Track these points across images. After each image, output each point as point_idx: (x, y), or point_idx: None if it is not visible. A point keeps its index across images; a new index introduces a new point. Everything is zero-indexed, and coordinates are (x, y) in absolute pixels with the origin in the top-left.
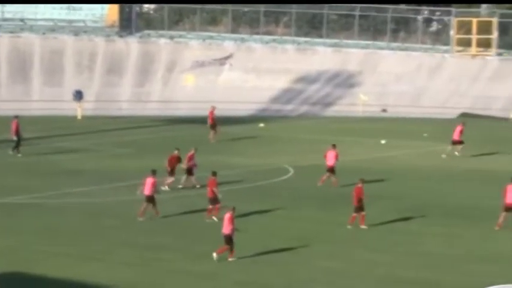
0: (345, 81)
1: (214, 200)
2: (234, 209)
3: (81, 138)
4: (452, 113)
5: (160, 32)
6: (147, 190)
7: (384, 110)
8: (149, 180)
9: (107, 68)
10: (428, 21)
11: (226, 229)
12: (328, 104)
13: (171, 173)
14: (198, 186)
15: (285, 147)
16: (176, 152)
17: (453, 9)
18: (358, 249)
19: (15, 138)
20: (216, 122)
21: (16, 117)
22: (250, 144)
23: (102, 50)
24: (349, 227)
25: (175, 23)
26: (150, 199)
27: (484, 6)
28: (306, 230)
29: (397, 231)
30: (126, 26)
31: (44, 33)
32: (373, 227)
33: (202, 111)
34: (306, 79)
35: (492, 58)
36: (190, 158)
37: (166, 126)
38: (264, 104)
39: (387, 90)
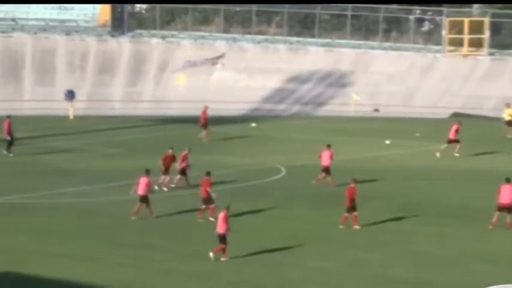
0: (337, 81)
1: (207, 200)
2: (228, 208)
3: (73, 138)
4: (444, 113)
5: (152, 31)
6: (140, 190)
7: (376, 110)
8: (143, 180)
9: (98, 68)
10: (420, 21)
11: (220, 228)
12: (320, 104)
13: (166, 172)
14: (190, 186)
15: (277, 147)
16: (171, 151)
17: (445, 9)
18: (351, 249)
19: (8, 138)
20: (208, 121)
21: (8, 117)
22: (242, 144)
23: (94, 49)
24: (341, 226)
25: (167, 22)
26: (144, 199)
27: (475, 6)
28: (299, 229)
29: (389, 231)
30: (118, 25)
31: (35, 33)
32: (366, 227)
33: (194, 111)
34: (298, 79)
35: (484, 58)
36: (184, 158)
37: (158, 126)
38: (256, 103)
39: (379, 90)
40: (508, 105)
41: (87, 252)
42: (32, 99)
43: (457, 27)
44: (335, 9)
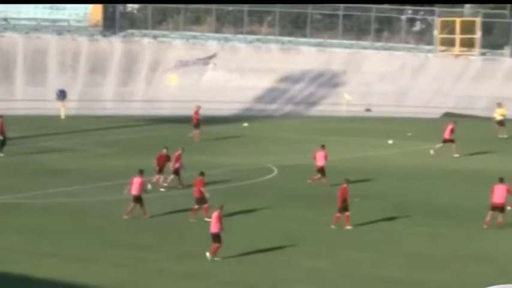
0: (329, 80)
1: (201, 200)
2: (221, 207)
3: (64, 138)
4: (436, 113)
5: (144, 31)
6: (134, 190)
7: (368, 110)
8: (136, 180)
9: (90, 68)
10: (411, 21)
11: (214, 228)
12: (312, 104)
13: (160, 172)
14: (182, 187)
15: (269, 147)
16: (165, 150)
17: (436, 9)
18: (343, 248)
19: (0, 138)
20: (200, 121)
21: (0, 116)
22: (234, 144)
23: (86, 49)
24: (333, 226)
25: (158, 22)
26: (138, 199)
27: (467, 6)
28: (291, 229)
29: (381, 230)
30: (109, 25)
31: (27, 33)
32: (358, 227)
33: (186, 110)
34: (290, 79)
35: (475, 58)
36: (178, 158)
37: (150, 125)
38: (248, 103)
39: (371, 90)
40: (499, 105)
41: (80, 252)
42: (24, 99)
43: (448, 27)
44: (327, 9)
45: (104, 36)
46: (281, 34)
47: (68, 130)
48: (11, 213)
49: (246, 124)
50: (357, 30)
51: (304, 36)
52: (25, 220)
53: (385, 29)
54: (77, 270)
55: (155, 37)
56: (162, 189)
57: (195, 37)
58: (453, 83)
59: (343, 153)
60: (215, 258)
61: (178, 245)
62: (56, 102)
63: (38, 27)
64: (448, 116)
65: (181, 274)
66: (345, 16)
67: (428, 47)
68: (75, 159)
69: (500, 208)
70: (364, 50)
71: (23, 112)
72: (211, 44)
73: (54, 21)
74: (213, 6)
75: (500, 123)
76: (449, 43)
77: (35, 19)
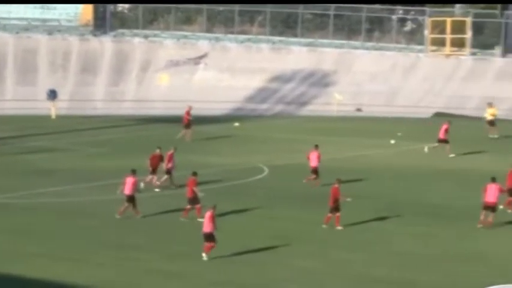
0: (320, 80)
1: (193, 200)
2: (214, 207)
3: (55, 138)
4: (427, 112)
5: (135, 31)
6: (127, 190)
7: (359, 110)
8: (129, 180)
9: (81, 67)
10: (402, 21)
11: (206, 227)
12: (303, 103)
13: (153, 172)
14: (174, 187)
15: (259, 147)
16: (158, 151)
17: (427, 8)
18: (335, 248)
19: None
20: (191, 122)
21: None
22: (225, 144)
23: (76, 49)
24: (324, 226)
25: (149, 22)
26: (131, 199)
27: (458, 6)
28: (283, 229)
29: (373, 230)
30: (100, 25)
31: (17, 33)
32: (350, 227)
33: (177, 110)
34: (281, 78)
35: (466, 58)
36: (170, 158)
37: (140, 125)
38: (238, 103)
39: (362, 90)
40: (490, 105)
41: (71, 252)
42: (14, 98)
43: (439, 27)
44: (318, 8)
45: (95, 36)
46: (272, 34)
47: (58, 130)
48: (1, 213)
49: (236, 124)
50: (348, 30)
51: (295, 36)
52: (12, 220)
53: (376, 29)
54: (68, 270)
55: (146, 37)
56: (156, 190)
57: (185, 37)
58: (444, 83)
59: (333, 153)
60: (204, 258)
61: (170, 245)
62: (46, 102)
63: (28, 27)
64: (438, 115)
65: (173, 274)
66: (335, 16)
67: (419, 47)
68: (65, 159)
69: (492, 207)
70: (354, 49)
71: (14, 112)
72: (202, 43)
73: (44, 21)
74: (204, 6)
75: (491, 123)
76: (440, 43)
77: (26, 19)
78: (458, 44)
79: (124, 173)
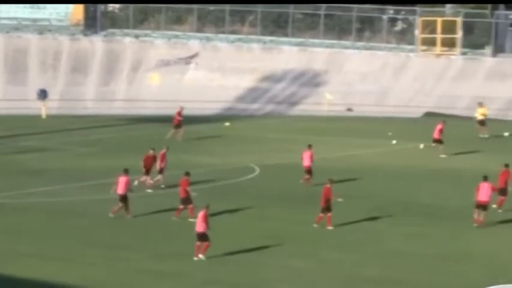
0: (311, 80)
1: (186, 200)
2: (207, 207)
3: (45, 138)
4: (417, 112)
5: (126, 30)
6: (120, 189)
7: (349, 109)
8: (122, 179)
9: (71, 67)
10: (393, 21)
11: (199, 227)
12: (294, 103)
13: (147, 173)
14: (163, 186)
15: (250, 146)
16: (151, 151)
17: (418, 8)
18: (326, 248)
19: None
20: (182, 122)
21: None
22: (216, 143)
23: (67, 48)
24: (315, 225)
25: (140, 21)
26: (123, 198)
27: (448, 6)
28: (274, 229)
29: (364, 230)
30: (91, 24)
31: (7, 32)
32: (341, 227)
33: (168, 110)
34: (272, 78)
35: (456, 57)
36: (163, 157)
37: (131, 125)
38: (229, 103)
39: (352, 90)
40: (480, 105)
41: (61, 252)
42: (4, 98)
43: (430, 27)
44: (308, 8)
45: (85, 35)
46: (263, 34)
47: (49, 130)
48: None
49: (227, 124)
50: (339, 30)
51: (286, 35)
52: (2, 220)
53: (367, 29)
54: (59, 270)
55: (137, 36)
56: (149, 190)
57: (176, 36)
58: (434, 83)
59: (324, 153)
60: (194, 258)
61: (161, 245)
62: (37, 102)
63: (18, 27)
64: (429, 115)
65: (164, 274)
66: (326, 16)
67: (409, 47)
68: (56, 159)
69: (483, 206)
70: (345, 49)
71: (4, 112)
72: (193, 43)
73: (35, 20)
74: (195, 6)
75: (482, 122)
76: (430, 43)
77: (16, 18)
78: (449, 43)
79: (114, 172)
